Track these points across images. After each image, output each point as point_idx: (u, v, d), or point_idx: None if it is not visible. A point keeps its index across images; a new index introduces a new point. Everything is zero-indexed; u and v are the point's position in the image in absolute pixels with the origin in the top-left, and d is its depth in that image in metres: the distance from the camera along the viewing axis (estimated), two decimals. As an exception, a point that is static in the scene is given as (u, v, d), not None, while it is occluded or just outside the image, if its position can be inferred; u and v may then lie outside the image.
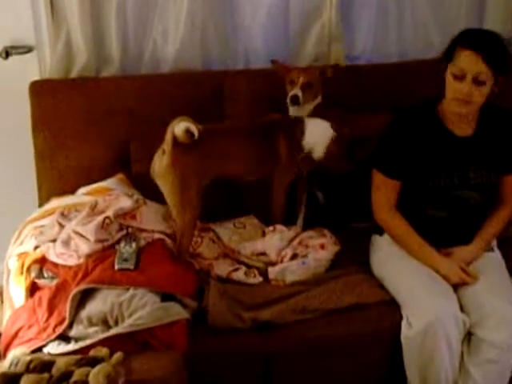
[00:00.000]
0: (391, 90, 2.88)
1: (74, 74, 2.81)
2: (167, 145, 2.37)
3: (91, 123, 2.69)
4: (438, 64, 2.34)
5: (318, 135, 2.53)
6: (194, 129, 2.32)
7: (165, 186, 2.41)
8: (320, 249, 2.51)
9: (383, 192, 2.45)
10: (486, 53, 2.20)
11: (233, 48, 2.92)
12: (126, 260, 2.22)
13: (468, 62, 2.23)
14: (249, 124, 2.62)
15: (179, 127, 2.32)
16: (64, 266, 2.28)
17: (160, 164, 2.40)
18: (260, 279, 2.43)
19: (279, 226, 2.59)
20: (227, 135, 2.53)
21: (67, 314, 2.07)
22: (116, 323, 2.08)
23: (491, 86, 2.26)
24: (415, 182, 2.42)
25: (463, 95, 2.26)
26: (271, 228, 2.60)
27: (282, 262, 2.48)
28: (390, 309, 2.32)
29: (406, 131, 2.40)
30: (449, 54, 2.29)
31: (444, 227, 2.45)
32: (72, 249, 2.32)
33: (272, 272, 2.43)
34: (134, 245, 2.29)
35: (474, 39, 2.25)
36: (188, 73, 2.84)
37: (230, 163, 2.50)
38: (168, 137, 2.35)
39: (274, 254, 2.50)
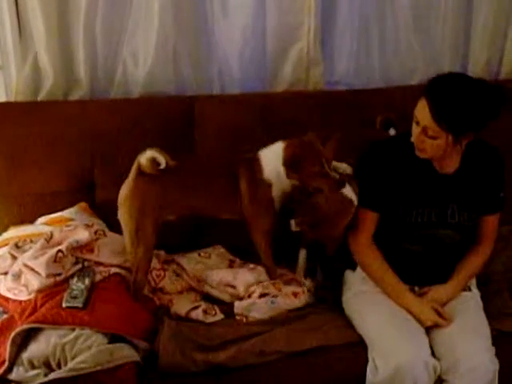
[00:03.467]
0: (373, 117, 2.75)
1: (41, 97, 2.73)
2: (131, 173, 2.30)
3: (55, 148, 2.60)
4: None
5: (274, 161, 2.34)
6: (161, 159, 2.24)
7: (122, 215, 2.32)
8: (292, 296, 2.39)
9: (361, 223, 2.33)
10: (439, 112, 2.05)
11: (207, 71, 2.82)
12: (75, 297, 2.12)
13: (420, 112, 2.11)
14: (215, 159, 2.52)
15: (145, 156, 2.25)
16: (14, 301, 2.19)
17: (121, 192, 2.33)
18: (221, 316, 2.33)
19: (253, 265, 2.51)
20: (193, 169, 2.41)
21: (7, 356, 1.97)
22: (59, 366, 1.98)
23: (448, 140, 2.11)
24: (392, 216, 2.31)
25: (415, 141, 2.18)
26: (239, 261, 2.53)
27: (249, 297, 2.37)
28: (356, 352, 2.21)
29: (384, 162, 2.30)
30: (421, 93, 2.15)
31: (419, 263, 2.35)
32: (22, 283, 2.23)
33: (238, 307, 2.33)
34: (86, 281, 2.19)
35: (437, 90, 2.08)
36: (157, 97, 2.75)
37: (194, 198, 2.37)
38: (134, 165, 2.29)
39: (243, 288, 2.40)
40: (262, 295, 2.36)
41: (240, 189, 2.36)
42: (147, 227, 2.30)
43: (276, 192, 2.36)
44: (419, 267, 2.34)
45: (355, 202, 2.28)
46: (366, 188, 2.31)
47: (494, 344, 2.19)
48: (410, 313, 2.24)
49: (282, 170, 2.31)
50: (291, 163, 2.27)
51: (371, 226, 2.33)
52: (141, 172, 2.28)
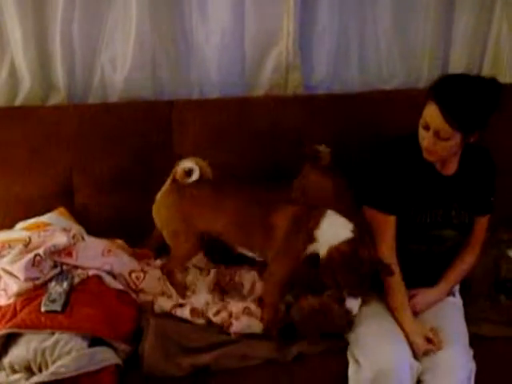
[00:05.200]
0: (352, 121, 2.76)
1: (18, 102, 2.70)
2: (169, 177, 2.34)
3: (33, 154, 2.57)
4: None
5: (332, 231, 2.19)
6: (195, 172, 2.26)
7: (156, 214, 2.38)
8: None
9: (380, 231, 2.30)
10: (450, 113, 2.10)
11: (185, 76, 2.80)
12: (53, 301, 2.10)
13: (431, 116, 2.14)
14: (254, 186, 2.41)
15: (182, 164, 2.29)
16: (-6, 306, 2.16)
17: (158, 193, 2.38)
18: (203, 320, 2.30)
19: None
20: (225, 190, 2.36)
21: (-12, 361, 1.95)
22: (40, 370, 1.96)
23: (459, 140, 2.16)
24: (403, 217, 2.32)
25: (426, 145, 2.20)
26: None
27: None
28: (336, 358, 2.21)
29: (393, 163, 2.31)
30: (426, 98, 2.19)
31: (422, 264, 2.38)
32: (1, 288, 2.21)
33: (236, 327, 2.26)
34: (65, 284, 2.17)
35: (444, 93, 2.12)
36: (136, 102, 2.72)
37: (217, 220, 2.32)
38: (173, 170, 2.33)
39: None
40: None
41: (271, 225, 2.24)
42: (180, 236, 2.35)
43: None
44: (418, 268, 2.36)
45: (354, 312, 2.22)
46: (385, 193, 2.31)
47: (471, 347, 2.24)
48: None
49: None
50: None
51: (391, 231, 2.31)
52: (174, 179, 2.31)
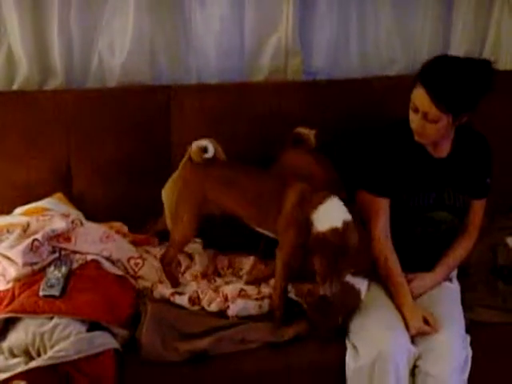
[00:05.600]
0: (352, 108, 2.75)
1: (16, 87, 2.69)
2: (184, 158, 2.35)
3: (30, 139, 2.56)
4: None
5: (325, 217, 2.15)
6: (209, 149, 2.28)
7: (164, 193, 2.38)
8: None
9: (374, 215, 2.32)
10: (436, 95, 2.10)
11: (184, 61, 2.78)
12: (52, 286, 2.10)
13: (418, 99, 2.15)
14: (264, 170, 2.42)
15: (197, 143, 2.29)
16: (-7, 291, 2.16)
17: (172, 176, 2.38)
18: (199, 307, 2.31)
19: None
20: (242, 172, 2.36)
21: (-13, 345, 1.96)
22: (38, 355, 1.96)
23: (447, 122, 2.17)
24: (396, 201, 2.33)
25: (415, 127, 2.21)
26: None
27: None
28: (334, 343, 2.21)
29: (386, 148, 2.32)
30: (414, 81, 2.19)
31: (416, 248, 2.38)
32: (0, 273, 2.20)
33: (233, 310, 2.27)
34: (63, 269, 2.18)
35: (431, 76, 2.13)
36: (134, 87, 2.70)
37: (236, 201, 2.32)
38: (187, 149, 2.33)
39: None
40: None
41: (285, 200, 2.23)
42: (184, 217, 2.33)
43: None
44: (415, 252, 2.36)
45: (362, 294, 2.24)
46: (379, 177, 2.32)
47: (468, 333, 2.24)
48: (402, 313, 2.24)
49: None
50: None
51: (385, 215, 2.32)
52: (190, 158, 2.31)
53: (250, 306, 2.27)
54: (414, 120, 2.21)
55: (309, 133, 2.49)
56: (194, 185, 2.33)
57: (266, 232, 2.34)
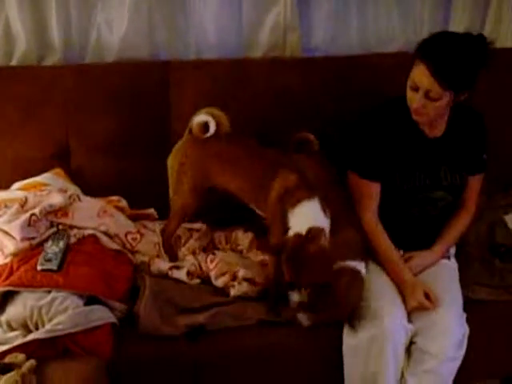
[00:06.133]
0: (350, 84, 2.74)
1: (14, 62, 2.67)
2: (187, 129, 2.35)
3: (29, 114, 2.56)
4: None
5: (298, 219, 2.13)
6: (211, 125, 2.26)
7: (168, 164, 2.39)
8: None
9: (364, 198, 2.33)
10: (439, 71, 2.08)
11: (182, 37, 2.76)
12: (49, 260, 2.11)
13: (420, 77, 2.12)
14: (267, 150, 2.35)
15: (198, 117, 2.28)
16: (-9, 265, 2.17)
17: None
18: (198, 280, 2.33)
19: None
20: (240, 148, 2.35)
21: (-15, 319, 1.97)
22: (36, 328, 1.98)
23: (449, 99, 2.15)
24: (390, 182, 2.32)
25: (416, 106, 2.18)
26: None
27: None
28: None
29: (378, 129, 2.30)
30: (413, 59, 2.17)
31: (413, 227, 2.38)
32: (-2, 247, 2.21)
33: (237, 290, 2.27)
34: (61, 244, 2.19)
35: (432, 52, 2.11)
36: (132, 63, 2.69)
37: (232, 176, 2.32)
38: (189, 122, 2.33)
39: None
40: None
41: (269, 193, 2.22)
42: (184, 187, 2.34)
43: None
44: (413, 231, 2.37)
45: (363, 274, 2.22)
46: (369, 160, 2.31)
47: (464, 311, 2.25)
48: (402, 289, 2.24)
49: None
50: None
51: (376, 199, 2.32)
52: (191, 131, 2.31)
53: (254, 291, 2.28)
54: (414, 99, 2.17)
55: (310, 137, 2.50)
56: (194, 157, 2.33)
57: (258, 211, 2.34)
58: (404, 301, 2.21)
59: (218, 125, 2.30)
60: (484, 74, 2.40)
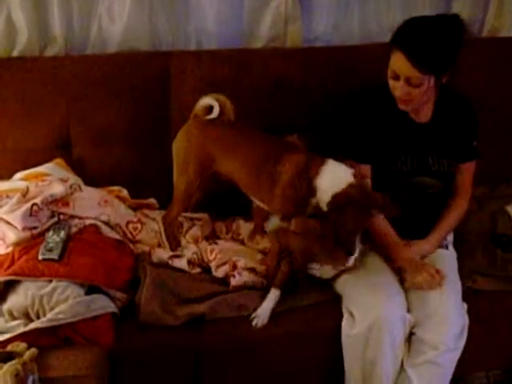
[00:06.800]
0: (352, 75, 2.73)
1: (15, 53, 2.67)
2: (192, 112, 2.36)
3: (30, 105, 2.56)
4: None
5: (333, 178, 2.13)
6: (215, 108, 2.27)
7: (173, 147, 2.38)
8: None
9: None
10: (416, 56, 2.07)
11: (183, 27, 2.76)
12: (50, 250, 2.12)
13: (398, 64, 2.12)
14: (268, 136, 2.36)
15: (203, 100, 2.29)
16: (-7, 255, 2.19)
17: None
18: (199, 269, 2.35)
19: None
20: (244, 133, 2.35)
21: (-13, 308, 1.98)
22: (38, 317, 1.99)
23: (430, 84, 2.15)
24: (377, 166, 2.32)
25: (399, 94, 2.18)
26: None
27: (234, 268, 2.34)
28: (330, 311, 2.24)
29: (364, 112, 2.31)
30: (390, 47, 2.17)
31: (403, 215, 2.29)
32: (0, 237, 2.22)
33: (237, 280, 2.28)
34: (62, 233, 2.19)
35: (407, 38, 2.10)
36: (133, 53, 2.70)
37: (231, 161, 2.32)
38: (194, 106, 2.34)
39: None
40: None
41: (279, 175, 2.21)
42: (188, 169, 2.33)
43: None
44: (406, 219, 2.33)
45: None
46: (357, 142, 2.31)
47: (465, 301, 2.24)
48: (404, 268, 2.24)
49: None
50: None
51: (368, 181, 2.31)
52: (196, 114, 2.32)
53: (254, 281, 2.29)
54: (397, 87, 2.17)
55: (299, 143, 2.45)
56: (198, 140, 2.33)
57: (258, 202, 2.35)
58: (400, 288, 2.22)
59: (222, 110, 2.30)
60: (486, 63, 2.41)
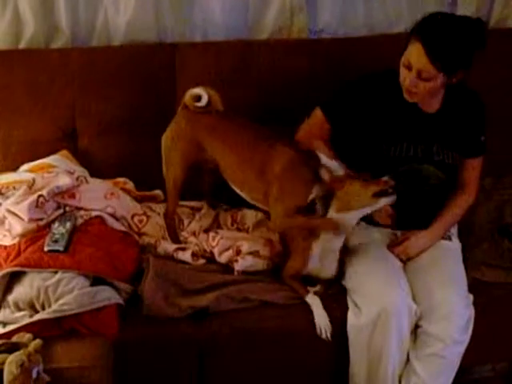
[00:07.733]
0: (357, 66, 2.72)
1: (22, 45, 2.69)
2: (180, 106, 2.38)
3: (36, 97, 2.58)
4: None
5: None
6: (203, 98, 2.29)
7: (163, 142, 2.40)
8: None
9: (311, 127, 2.37)
10: (434, 52, 2.06)
11: (189, 19, 2.76)
12: (56, 241, 2.13)
13: (414, 56, 2.11)
14: (260, 128, 2.37)
15: (191, 91, 2.32)
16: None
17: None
18: (203, 261, 2.35)
19: None
20: (233, 123, 2.36)
21: (-7, 298, 2.00)
22: (43, 308, 2.00)
23: (441, 81, 2.14)
24: (375, 150, 2.31)
25: (407, 85, 2.17)
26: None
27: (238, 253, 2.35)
28: (336, 303, 2.25)
29: (369, 92, 2.31)
30: (409, 36, 2.16)
31: (403, 204, 2.30)
32: (6, 228, 2.25)
33: (241, 265, 2.30)
34: (68, 225, 2.21)
35: (429, 31, 2.09)
36: (139, 45, 2.70)
37: (219, 151, 2.34)
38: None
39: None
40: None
41: (271, 170, 2.24)
42: (174, 158, 2.36)
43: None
44: (404, 209, 2.33)
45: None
46: (339, 104, 2.35)
47: (472, 293, 2.23)
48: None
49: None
50: None
51: (318, 136, 2.35)
52: (185, 105, 2.34)
53: (258, 264, 2.30)
54: (406, 77, 2.16)
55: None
56: (187, 130, 2.35)
57: (241, 194, 2.36)
58: (406, 279, 2.23)
59: (210, 100, 2.31)
60: (493, 54, 2.39)
